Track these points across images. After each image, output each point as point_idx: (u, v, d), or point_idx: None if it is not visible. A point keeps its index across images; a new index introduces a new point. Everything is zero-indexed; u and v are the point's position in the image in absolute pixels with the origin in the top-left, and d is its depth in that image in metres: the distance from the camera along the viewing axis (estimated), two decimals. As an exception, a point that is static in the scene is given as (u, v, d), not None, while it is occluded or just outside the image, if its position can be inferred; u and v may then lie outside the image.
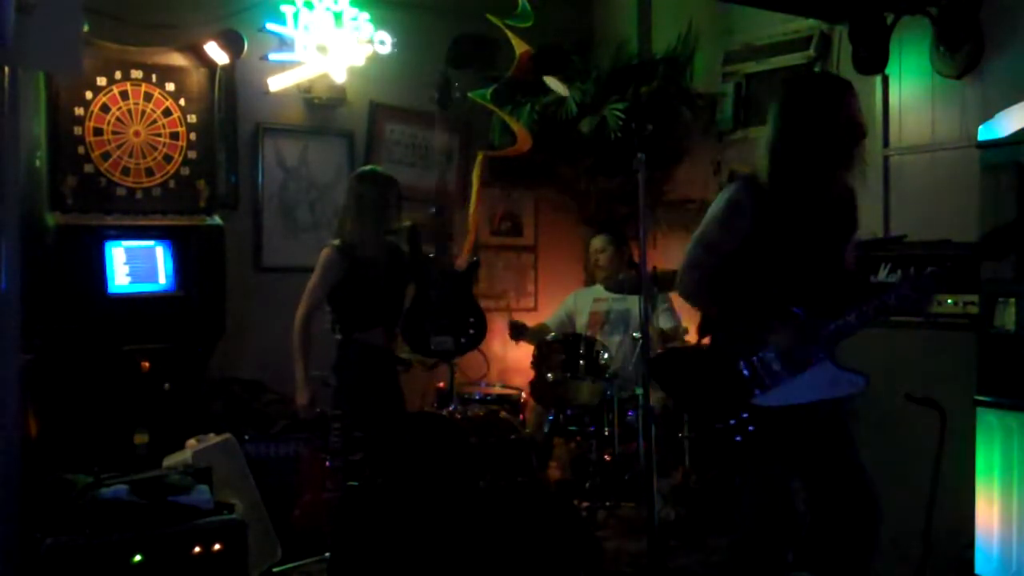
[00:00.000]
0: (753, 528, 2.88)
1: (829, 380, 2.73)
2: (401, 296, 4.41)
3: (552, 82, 5.46)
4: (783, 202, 2.74)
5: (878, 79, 4.87)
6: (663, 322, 5.25)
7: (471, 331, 4.48)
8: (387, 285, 4.29)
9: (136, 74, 4.72)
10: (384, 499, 3.87)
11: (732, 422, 2.82)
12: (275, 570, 4.28)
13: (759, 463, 2.83)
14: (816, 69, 5.35)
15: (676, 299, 5.45)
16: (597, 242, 5.68)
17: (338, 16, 5.37)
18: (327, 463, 4.29)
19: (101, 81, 4.62)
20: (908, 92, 4.80)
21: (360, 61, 5.45)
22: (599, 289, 5.58)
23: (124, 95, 4.68)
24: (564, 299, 5.88)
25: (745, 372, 2.79)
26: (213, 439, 4.24)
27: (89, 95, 4.59)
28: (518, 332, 5.48)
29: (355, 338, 4.26)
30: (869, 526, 2.80)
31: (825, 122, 2.69)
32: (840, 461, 2.82)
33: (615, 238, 5.62)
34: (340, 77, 5.45)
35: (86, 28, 3.89)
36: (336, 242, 4.26)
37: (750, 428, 2.77)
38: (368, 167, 4.74)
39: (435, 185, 4.66)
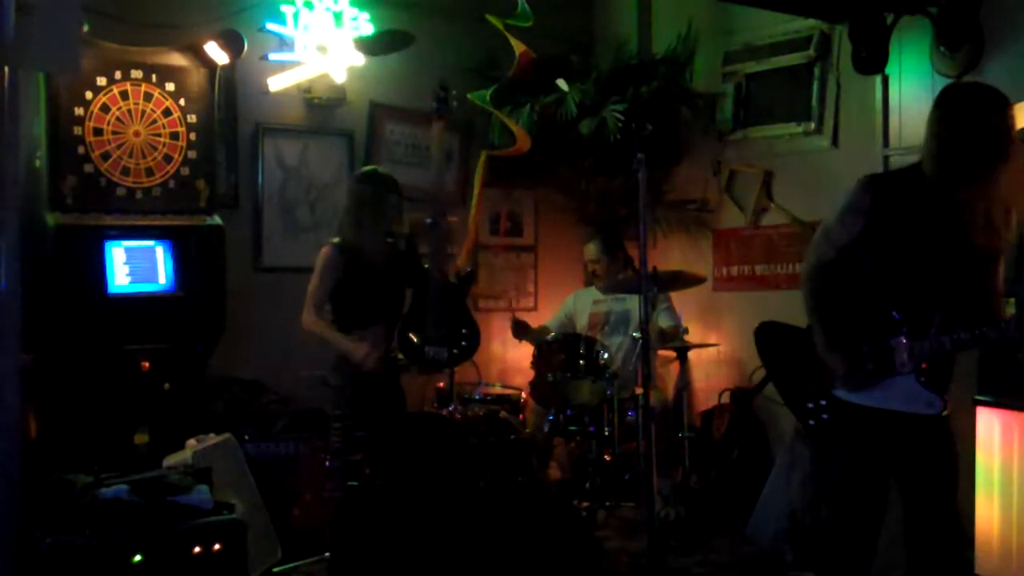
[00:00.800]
0: (827, 515, 2.95)
1: (904, 394, 2.77)
2: (400, 296, 4.40)
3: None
4: (909, 206, 2.75)
5: (878, 79, 4.86)
6: (662, 321, 5.25)
7: (464, 343, 4.48)
8: (386, 284, 4.29)
9: (136, 74, 4.71)
10: (384, 499, 3.87)
11: (811, 406, 2.93)
12: (275, 570, 4.28)
13: (826, 451, 2.91)
14: (816, 69, 5.36)
15: (675, 299, 5.46)
16: (590, 252, 5.66)
17: (338, 16, 5.37)
18: (327, 463, 4.29)
19: (101, 81, 4.62)
20: (908, 92, 4.80)
21: (360, 61, 5.45)
22: (595, 291, 5.59)
23: (124, 95, 4.68)
24: (564, 300, 5.88)
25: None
26: (213, 439, 4.24)
27: (89, 95, 4.58)
28: (521, 331, 5.48)
29: (355, 337, 4.26)
30: (941, 550, 2.84)
31: (970, 134, 2.65)
32: (919, 479, 2.84)
33: (607, 245, 5.60)
34: (340, 77, 5.45)
35: (86, 28, 3.90)
36: (335, 240, 4.26)
37: (824, 416, 2.86)
38: (369, 168, 4.73)
39: (431, 194, 4.59)
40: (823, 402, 2.90)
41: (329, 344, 4.23)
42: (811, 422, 2.96)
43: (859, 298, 2.83)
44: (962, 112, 2.68)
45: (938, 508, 2.82)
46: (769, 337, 3.18)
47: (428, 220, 4.50)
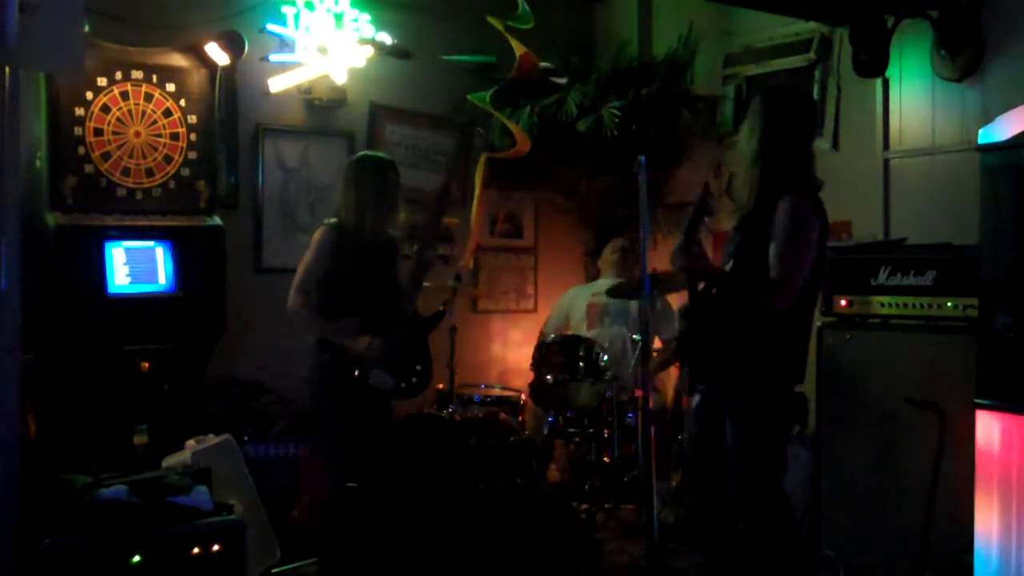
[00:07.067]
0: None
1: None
2: (384, 289, 4.17)
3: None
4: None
5: (878, 82, 4.87)
6: (664, 334, 5.29)
7: (414, 379, 4.13)
8: (373, 274, 4.11)
9: (137, 74, 4.71)
10: (382, 501, 3.86)
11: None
12: (274, 571, 4.28)
13: None
14: (816, 72, 5.36)
15: (676, 301, 5.46)
16: (624, 241, 5.66)
17: (339, 17, 5.37)
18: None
19: (101, 81, 4.62)
20: (908, 95, 4.80)
21: (361, 62, 5.45)
22: (598, 286, 5.57)
23: (124, 95, 4.68)
24: (557, 302, 5.86)
25: None
26: (212, 439, 4.23)
27: (89, 95, 4.58)
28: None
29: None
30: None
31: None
32: None
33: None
34: (341, 78, 5.45)
35: (87, 28, 3.90)
36: (332, 221, 4.08)
37: None
38: (369, 152, 4.51)
39: (430, 220, 4.27)
40: None
41: (313, 333, 4.02)
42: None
43: None
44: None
45: None
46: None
47: (415, 247, 4.21)
